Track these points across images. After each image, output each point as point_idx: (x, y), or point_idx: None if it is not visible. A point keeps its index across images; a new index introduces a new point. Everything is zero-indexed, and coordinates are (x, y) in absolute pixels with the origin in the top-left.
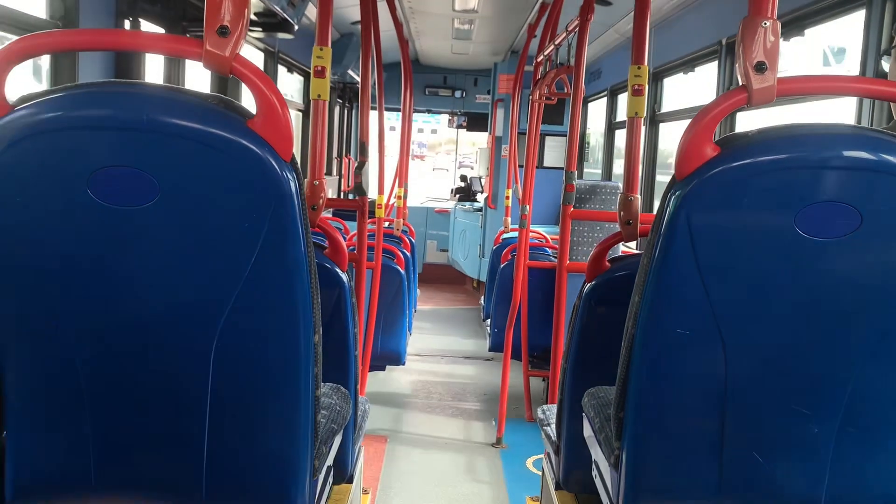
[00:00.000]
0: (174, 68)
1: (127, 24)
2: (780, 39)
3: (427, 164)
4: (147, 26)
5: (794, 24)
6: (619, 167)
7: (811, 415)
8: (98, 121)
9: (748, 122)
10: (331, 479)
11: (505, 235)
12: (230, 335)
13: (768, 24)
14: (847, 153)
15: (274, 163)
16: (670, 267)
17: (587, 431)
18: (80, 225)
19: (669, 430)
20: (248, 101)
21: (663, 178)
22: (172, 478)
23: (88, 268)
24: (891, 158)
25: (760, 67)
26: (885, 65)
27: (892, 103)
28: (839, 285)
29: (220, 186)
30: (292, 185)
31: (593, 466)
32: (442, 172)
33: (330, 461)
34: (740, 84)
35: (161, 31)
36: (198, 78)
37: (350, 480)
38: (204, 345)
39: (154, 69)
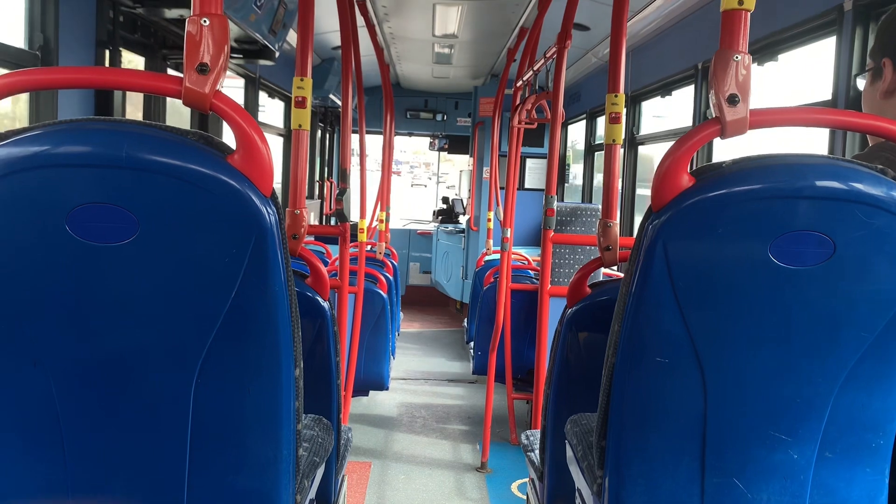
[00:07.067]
0: (155, 103)
1: (107, 55)
2: (754, 66)
3: (405, 179)
4: (127, 55)
5: (767, 50)
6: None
7: (790, 441)
8: (76, 158)
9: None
10: None
11: (487, 257)
12: (210, 371)
13: (740, 57)
14: (819, 183)
15: (254, 198)
16: (648, 296)
17: (570, 459)
18: (59, 262)
19: (651, 459)
20: (230, 134)
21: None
22: None
23: (67, 305)
24: (862, 188)
25: (733, 100)
26: (860, 83)
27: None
28: (814, 312)
29: (200, 222)
30: (272, 219)
31: (576, 494)
32: (420, 189)
33: (312, 493)
34: (714, 116)
35: (141, 59)
36: (178, 112)
37: None
38: (184, 381)
39: (136, 103)
